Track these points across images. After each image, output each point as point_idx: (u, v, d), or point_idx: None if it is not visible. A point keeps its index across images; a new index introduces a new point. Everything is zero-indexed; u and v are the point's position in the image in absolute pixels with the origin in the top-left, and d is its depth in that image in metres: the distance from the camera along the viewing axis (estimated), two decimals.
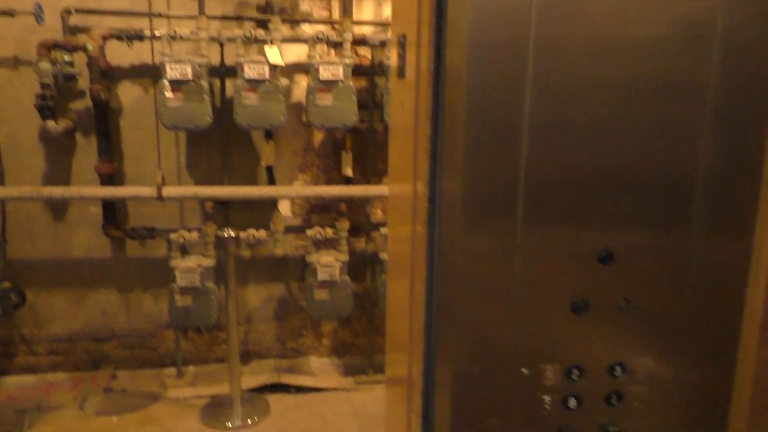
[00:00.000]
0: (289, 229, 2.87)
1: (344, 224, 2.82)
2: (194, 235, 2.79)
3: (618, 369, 0.99)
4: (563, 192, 0.92)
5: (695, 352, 1.01)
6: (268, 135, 2.80)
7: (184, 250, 2.87)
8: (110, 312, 2.99)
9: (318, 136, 2.94)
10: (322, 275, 2.74)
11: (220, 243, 2.71)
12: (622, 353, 0.99)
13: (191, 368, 3.08)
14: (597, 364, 0.98)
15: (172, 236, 2.76)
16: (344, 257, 2.79)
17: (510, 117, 0.88)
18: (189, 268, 2.71)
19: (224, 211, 2.90)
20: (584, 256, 0.94)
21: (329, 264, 2.75)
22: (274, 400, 2.79)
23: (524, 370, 0.96)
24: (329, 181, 2.96)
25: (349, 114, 2.62)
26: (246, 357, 3.06)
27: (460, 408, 0.96)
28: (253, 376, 2.94)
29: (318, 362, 3.14)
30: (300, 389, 2.88)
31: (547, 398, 0.98)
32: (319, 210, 2.99)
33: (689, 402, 1.01)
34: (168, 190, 2.69)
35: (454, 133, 0.90)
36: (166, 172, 2.74)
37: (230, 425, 2.66)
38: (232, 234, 2.58)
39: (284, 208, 2.96)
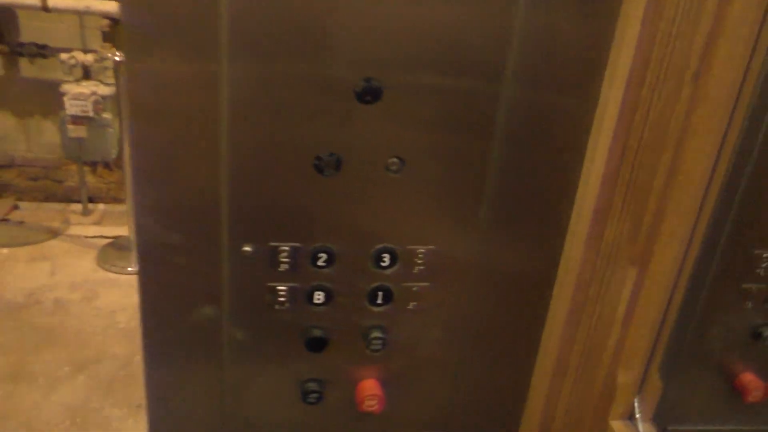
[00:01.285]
0: None
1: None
2: (89, 57, 2.42)
3: (386, 257, 0.69)
4: None
5: (488, 229, 0.71)
6: None
7: (88, 75, 2.52)
8: (9, 137, 2.71)
9: None
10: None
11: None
12: (391, 235, 0.69)
13: (101, 206, 2.86)
14: (354, 248, 0.69)
15: (63, 56, 2.40)
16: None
17: None
18: (80, 94, 2.38)
19: None
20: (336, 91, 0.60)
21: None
22: None
23: (246, 248, 0.67)
24: None
25: None
26: None
27: (150, 290, 0.68)
28: None
29: None
30: None
31: (281, 288, 0.70)
32: None
33: (479, 310, 0.73)
34: (55, 1, 2.28)
35: None
36: None
37: (130, 269, 2.48)
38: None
39: None
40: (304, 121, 0.61)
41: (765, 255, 0.77)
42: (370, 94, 0.60)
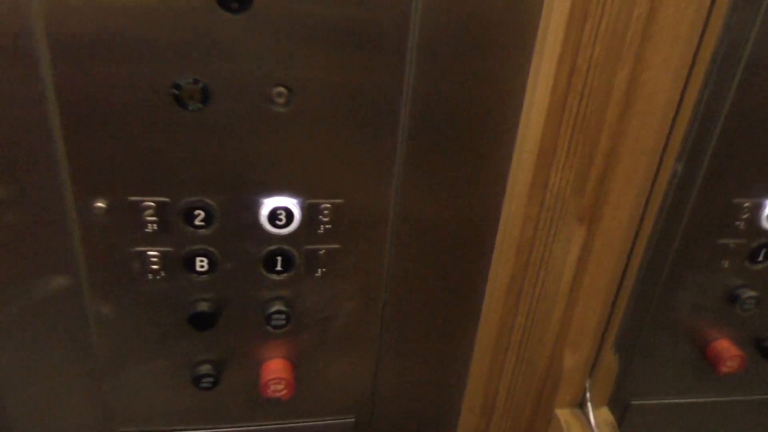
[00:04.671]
0: None
1: None
2: None
3: (281, 214, 0.56)
4: None
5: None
6: None
7: None
8: None
9: None
10: None
11: None
12: (285, 186, 0.55)
13: None
14: (238, 203, 0.55)
15: None
16: None
17: None
18: None
19: None
20: None
21: None
22: None
23: (99, 204, 0.53)
24: None
25: None
26: None
27: None
28: None
29: None
30: None
31: (152, 254, 0.56)
32: None
33: (404, 277, 0.60)
34: None
35: None
36: None
37: None
38: None
39: None
40: (153, 35, 0.46)
41: (746, 204, 0.65)
42: None
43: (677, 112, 0.44)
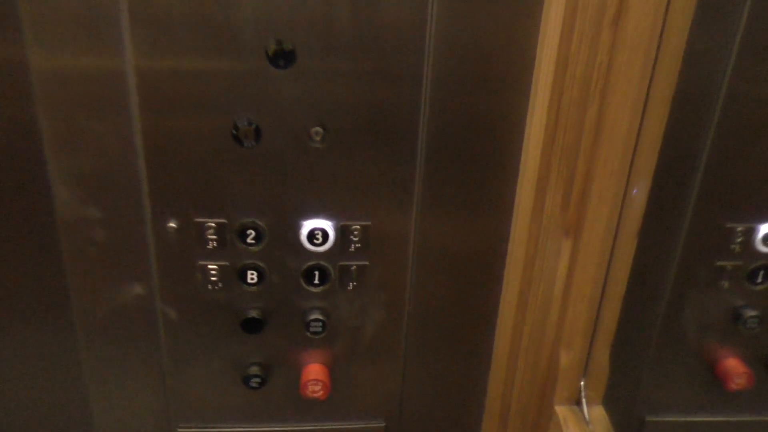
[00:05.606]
0: None
1: None
2: None
3: (319, 234, 0.66)
4: None
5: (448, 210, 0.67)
6: None
7: None
8: None
9: None
10: None
11: None
12: (322, 210, 0.65)
13: None
14: (282, 224, 0.66)
15: None
16: None
17: None
18: None
19: None
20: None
21: None
22: None
23: (171, 224, 0.64)
24: None
25: None
26: None
27: (78, 267, 0.66)
28: None
29: None
30: None
31: (212, 267, 0.67)
32: None
33: (426, 291, 0.69)
34: None
35: None
36: None
37: None
38: None
39: None
40: (217, 89, 0.58)
41: (739, 229, 0.71)
42: (282, 58, 0.57)
43: (638, 138, 0.52)
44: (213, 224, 0.65)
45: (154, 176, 0.62)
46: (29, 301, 0.67)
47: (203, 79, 0.58)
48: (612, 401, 0.74)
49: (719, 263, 0.73)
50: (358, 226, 0.66)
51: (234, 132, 0.60)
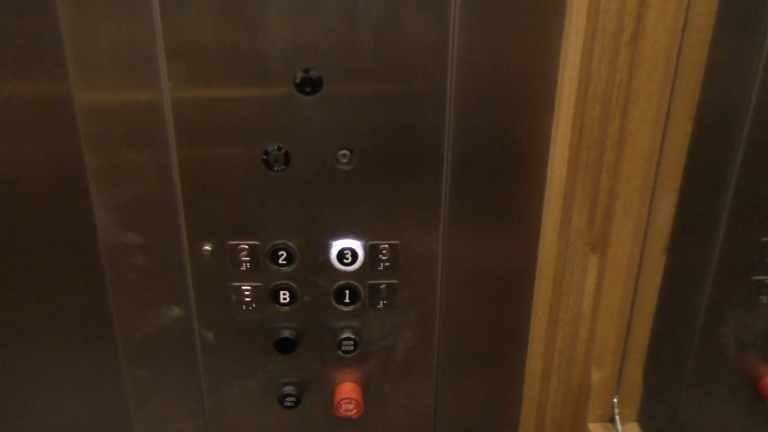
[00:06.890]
0: None
1: None
2: None
3: (348, 254, 0.67)
4: None
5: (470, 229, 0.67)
6: None
7: None
8: None
9: None
10: None
11: None
12: (351, 230, 0.67)
13: None
14: (313, 245, 0.67)
15: None
16: None
17: None
18: None
19: None
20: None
21: None
22: None
23: (206, 247, 0.67)
24: None
25: None
26: None
27: (119, 290, 0.69)
28: None
29: None
30: None
31: (246, 288, 0.69)
32: None
33: (456, 309, 0.69)
34: None
35: None
36: None
37: None
38: None
39: None
40: (247, 116, 0.61)
41: None
42: (309, 85, 0.59)
43: (661, 154, 0.52)
44: (246, 246, 0.67)
45: (189, 202, 0.65)
46: (74, 324, 0.71)
47: (234, 108, 0.60)
48: (649, 418, 0.73)
49: (756, 278, 0.71)
50: (387, 246, 0.67)
51: (264, 157, 0.62)
